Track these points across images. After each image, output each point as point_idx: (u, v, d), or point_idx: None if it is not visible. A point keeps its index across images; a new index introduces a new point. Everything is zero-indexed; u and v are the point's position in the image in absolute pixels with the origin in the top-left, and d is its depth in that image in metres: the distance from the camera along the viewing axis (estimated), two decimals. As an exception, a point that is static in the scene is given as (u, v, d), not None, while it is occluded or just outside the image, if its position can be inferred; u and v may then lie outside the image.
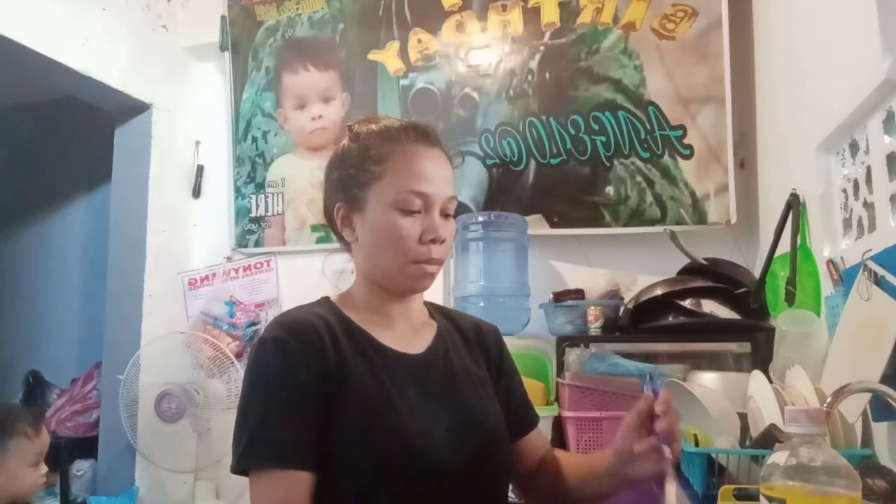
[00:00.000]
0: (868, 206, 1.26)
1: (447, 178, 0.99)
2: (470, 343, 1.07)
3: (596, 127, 2.21)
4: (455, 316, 1.11)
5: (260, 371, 0.89)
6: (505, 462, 1.01)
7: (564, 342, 1.96)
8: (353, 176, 0.98)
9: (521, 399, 1.12)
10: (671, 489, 0.85)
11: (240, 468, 0.87)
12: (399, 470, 0.87)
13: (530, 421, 1.11)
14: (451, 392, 0.97)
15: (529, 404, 1.13)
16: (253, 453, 0.86)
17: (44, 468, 1.65)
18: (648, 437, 0.89)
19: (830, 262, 1.38)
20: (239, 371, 2.37)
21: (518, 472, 1.08)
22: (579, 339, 1.96)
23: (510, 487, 1.06)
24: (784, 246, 1.57)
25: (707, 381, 1.65)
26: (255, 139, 2.64)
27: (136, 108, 2.56)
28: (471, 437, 0.94)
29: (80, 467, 2.62)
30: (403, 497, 0.88)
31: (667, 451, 0.87)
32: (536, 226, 2.23)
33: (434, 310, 1.10)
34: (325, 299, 1.02)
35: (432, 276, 0.98)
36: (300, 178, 2.56)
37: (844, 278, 1.30)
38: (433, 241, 0.95)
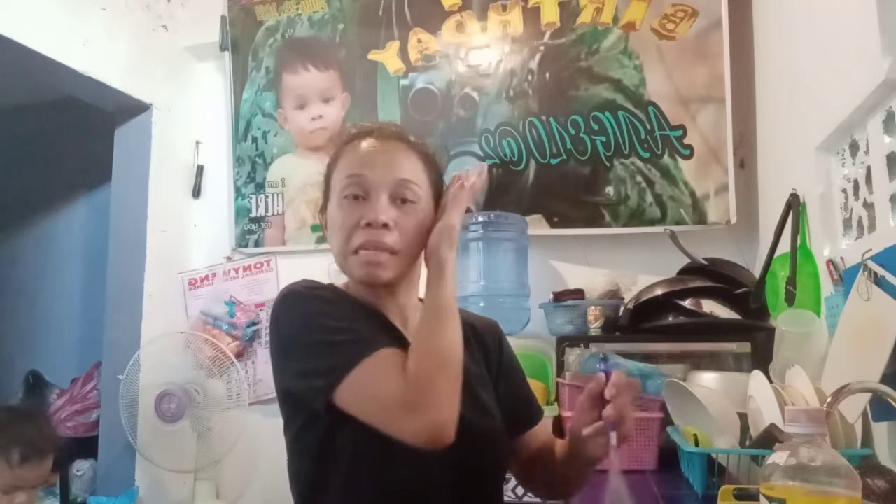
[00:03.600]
0: (868, 206, 1.26)
1: (395, 162, 0.95)
2: (468, 340, 1.05)
3: (596, 127, 2.21)
4: None
5: (298, 309, 0.91)
6: (501, 459, 1.01)
7: (564, 342, 1.95)
8: (322, 182, 1.02)
9: (525, 394, 1.12)
10: (614, 478, 0.84)
11: (332, 387, 0.83)
12: (393, 463, 0.87)
13: (534, 415, 1.10)
14: None
15: (533, 399, 1.13)
16: (340, 362, 0.84)
17: (21, 497, 1.49)
18: (597, 422, 0.88)
19: (830, 262, 1.38)
20: (239, 371, 2.38)
21: (518, 463, 1.09)
22: (579, 339, 1.96)
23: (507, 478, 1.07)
24: (784, 246, 1.57)
25: (707, 381, 1.65)
26: (255, 139, 2.64)
27: (136, 108, 2.57)
28: (467, 434, 0.93)
29: (80, 467, 2.62)
30: (397, 490, 0.89)
31: (613, 437, 0.86)
32: (536, 226, 2.23)
33: None
34: (331, 285, 1.03)
35: (379, 264, 0.92)
36: (300, 178, 2.56)
37: (844, 278, 1.30)
38: (369, 224, 0.91)
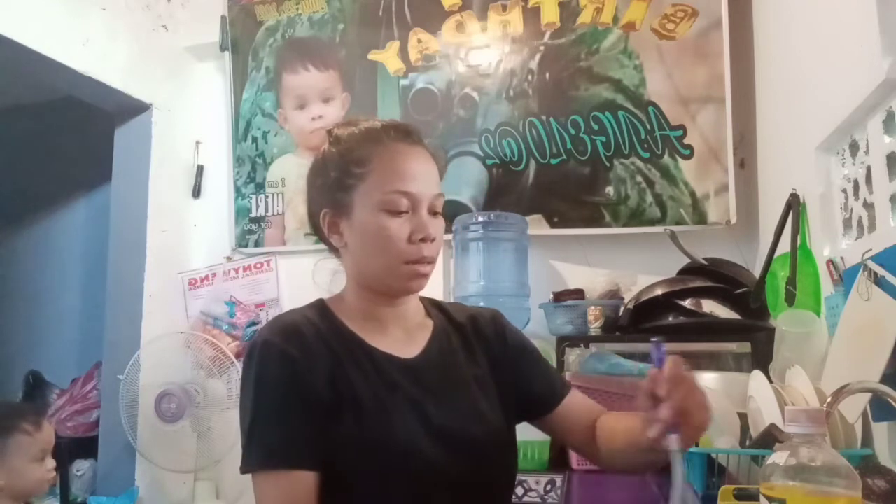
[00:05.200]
0: (868, 206, 1.26)
1: (432, 175, 0.97)
2: (467, 338, 1.04)
3: (596, 127, 2.21)
4: (451, 310, 1.08)
5: (253, 375, 0.89)
6: (505, 461, 1.00)
7: (564, 342, 1.95)
8: (336, 179, 0.96)
9: (542, 372, 1.08)
10: (677, 481, 0.75)
11: (243, 471, 0.88)
12: (397, 475, 0.87)
13: (558, 390, 1.06)
14: (445, 394, 0.96)
15: (553, 375, 1.10)
16: (251, 455, 0.86)
17: (51, 463, 1.65)
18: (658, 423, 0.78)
19: (830, 262, 1.38)
20: (239, 371, 2.37)
21: (573, 441, 1.07)
22: (579, 339, 1.96)
23: (509, 484, 1.04)
24: (784, 246, 1.57)
25: (707, 381, 1.64)
26: (255, 139, 2.64)
27: (136, 108, 2.57)
28: (467, 439, 0.93)
29: (80, 467, 2.62)
30: (404, 501, 0.88)
31: (673, 441, 0.75)
32: (536, 226, 2.23)
33: (430, 306, 1.07)
34: (320, 301, 1.00)
35: (425, 276, 0.95)
36: (300, 178, 2.54)
37: (844, 278, 1.30)
38: (423, 240, 0.93)
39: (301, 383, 0.87)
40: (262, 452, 0.86)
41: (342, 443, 0.87)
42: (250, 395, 0.88)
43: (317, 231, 1.02)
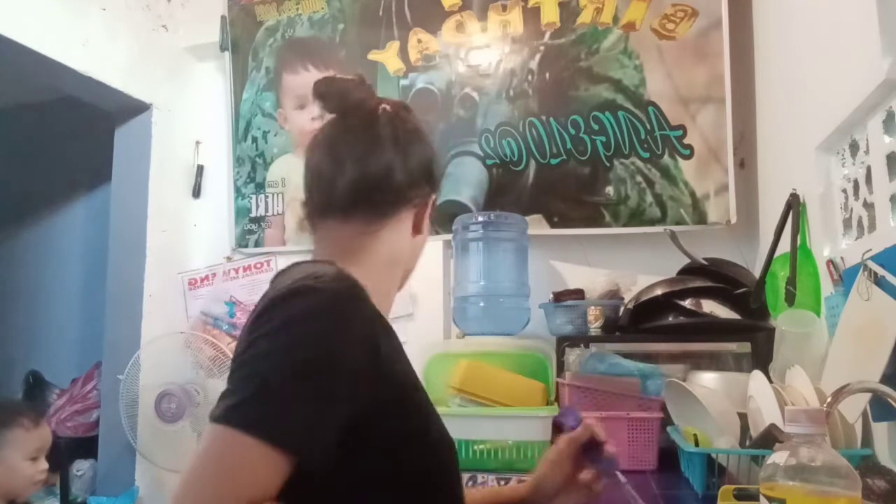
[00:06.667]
0: (868, 206, 1.26)
1: None
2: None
3: (596, 127, 2.21)
4: None
5: (320, 326, 0.66)
6: None
7: (564, 342, 1.95)
8: (427, 170, 0.91)
9: None
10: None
11: (213, 419, 0.66)
12: (452, 469, 0.82)
13: None
14: None
15: None
16: (238, 411, 0.64)
17: (44, 464, 1.62)
18: (587, 467, 0.91)
19: (830, 262, 1.38)
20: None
21: None
22: (579, 339, 1.96)
23: None
24: (784, 246, 1.57)
25: (707, 381, 1.65)
26: (255, 139, 2.64)
27: (136, 108, 2.57)
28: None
29: (80, 467, 2.63)
30: (446, 495, 0.81)
31: (618, 475, 0.91)
32: (536, 226, 2.23)
33: None
34: (338, 270, 0.76)
35: None
36: (300, 178, 2.55)
37: (844, 278, 1.30)
38: None
39: (369, 362, 0.68)
40: (259, 419, 0.63)
41: (409, 439, 0.74)
42: (284, 346, 0.65)
43: (375, 190, 0.87)
